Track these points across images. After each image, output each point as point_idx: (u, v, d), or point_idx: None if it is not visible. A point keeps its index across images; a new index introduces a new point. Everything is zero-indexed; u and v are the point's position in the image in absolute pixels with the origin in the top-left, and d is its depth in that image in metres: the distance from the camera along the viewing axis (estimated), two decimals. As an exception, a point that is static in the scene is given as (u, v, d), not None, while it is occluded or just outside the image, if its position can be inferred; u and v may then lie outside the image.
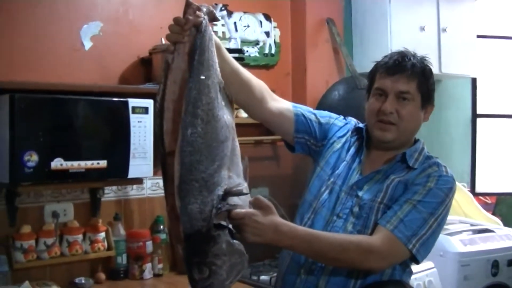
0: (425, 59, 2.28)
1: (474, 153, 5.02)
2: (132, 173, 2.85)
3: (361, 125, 2.40)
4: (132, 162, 2.83)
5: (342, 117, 2.49)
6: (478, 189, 5.02)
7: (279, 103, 2.34)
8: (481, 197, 5.08)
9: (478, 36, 4.74)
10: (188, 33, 1.85)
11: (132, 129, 2.83)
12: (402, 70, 2.19)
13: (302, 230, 2.05)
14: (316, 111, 2.45)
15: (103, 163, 2.74)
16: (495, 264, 3.82)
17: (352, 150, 2.34)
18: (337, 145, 2.36)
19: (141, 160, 2.85)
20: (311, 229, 2.13)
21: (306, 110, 2.41)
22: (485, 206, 5.04)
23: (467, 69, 4.68)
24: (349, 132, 2.39)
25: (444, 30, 4.40)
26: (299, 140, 2.37)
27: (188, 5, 1.88)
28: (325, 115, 2.44)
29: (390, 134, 2.21)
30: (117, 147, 2.80)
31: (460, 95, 5.09)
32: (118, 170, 2.82)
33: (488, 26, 5.03)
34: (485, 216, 4.69)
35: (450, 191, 2.16)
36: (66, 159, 2.62)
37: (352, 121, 2.46)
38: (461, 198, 4.75)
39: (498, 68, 5.13)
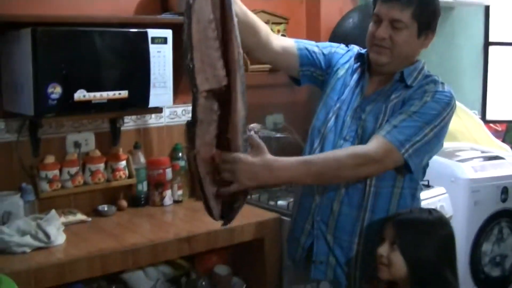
0: None
1: (485, 80, 5.02)
2: (152, 103, 2.89)
3: (363, 51, 2.45)
4: (153, 92, 2.87)
5: (343, 45, 2.57)
6: (489, 116, 5.05)
7: (282, 41, 2.44)
8: (491, 125, 5.13)
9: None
10: None
11: (151, 59, 2.86)
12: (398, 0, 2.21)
13: (295, 160, 2.10)
14: (317, 43, 2.53)
15: (124, 93, 2.78)
16: (505, 190, 3.86)
17: (355, 75, 2.41)
18: (341, 72, 2.44)
19: (161, 89, 2.89)
20: (304, 156, 2.26)
21: (309, 43, 2.50)
22: (496, 133, 5.09)
23: (480, -4, 4.68)
24: (352, 59, 2.45)
25: None
26: (305, 72, 2.47)
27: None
28: (326, 45, 2.53)
29: (384, 57, 2.26)
30: (138, 77, 2.84)
31: (472, 23, 5.06)
32: (139, 100, 2.87)
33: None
34: (495, 143, 4.74)
35: (447, 105, 2.22)
36: (88, 90, 2.67)
37: (355, 48, 2.52)
38: (472, 125, 4.79)
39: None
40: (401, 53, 2.27)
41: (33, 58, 2.54)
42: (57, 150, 3.02)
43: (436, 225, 2.20)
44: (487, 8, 4.96)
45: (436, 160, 3.81)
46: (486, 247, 3.87)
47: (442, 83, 2.30)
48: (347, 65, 2.45)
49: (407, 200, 2.31)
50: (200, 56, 1.91)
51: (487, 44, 5.02)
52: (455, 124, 4.64)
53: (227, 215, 2.07)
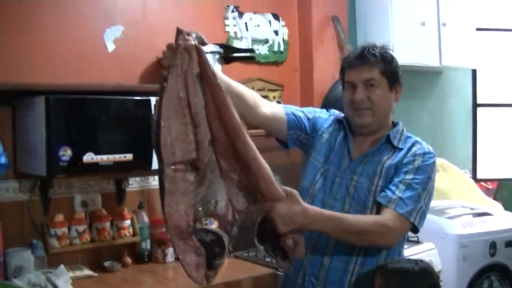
0: (384, 48, 2.50)
1: (475, 140, 5.19)
2: (155, 165, 2.99)
3: (341, 116, 2.63)
4: (155, 155, 3.04)
5: (325, 110, 2.76)
6: (480, 175, 5.19)
7: (271, 107, 2.58)
8: (482, 183, 5.26)
9: (478, 29, 4.95)
10: (180, 57, 1.97)
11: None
12: (364, 61, 2.43)
13: (327, 213, 2.24)
14: (302, 108, 2.69)
15: (129, 156, 2.96)
16: (493, 245, 3.99)
17: (339, 138, 2.56)
18: (326, 135, 2.59)
19: None
20: (334, 212, 2.30)
21: (295, 108, 2.65)
22: (487, 191, 5.23)
23: (467, 61, 4.89)
24: (334, 123, 2.62)
25: (444, 24, 4.60)
26: (292, 136, 2.60)
27: (178, 32, 2.01)
28: (310, 110, 2.69)
29: (367, 118, 2.45)
30: (141, 141, 2.99)
31: (461, 86, 5.29)
32: (143, 162, 3.03)
33: (487, 18, 5.18)
34: (486, 201, 4.88)
35: (434, 165, 2.44)
36: (96, 153, 2.85)
37: (335, 112, 2.70)
38: (463, 183, 4.95)
39: (498, 59, 5.28)
40: (381, 110, 2.46)
41: (46, 123, 2.74)
42: (66, 209, 3.18)
43: (421, 275, 2.28)
44: (474, 72, 5.17)
45: (427, 218, 4.00)
46: (477, 300, 4.00)
47: (425, 143, 2.50)
48: (330, 129, 2.60)
49: (395, 255, 2.46)
50: (169, 132, 1.97)
51: (475, 105, 5.21)
52: (447, 183, 4.85)
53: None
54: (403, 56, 4.32)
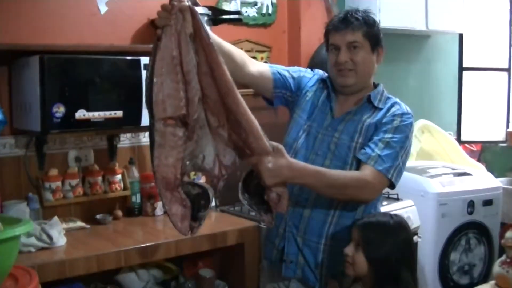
0: (367, 12, 2.61)
1: (460, 103, 5.28)
2: (144, 122, 3.16)
3: (324, 76, 2.74)
4: (144, 112, 3.13)
5: (309, 69, 2.86)
6: (464, 137, 5.30)
7: (258, 66, 2.67)
8: (467, 145, 5.42)
9: (464, -6, 5.00)
10: (174, 17, 2.02)
11: (144, 83, 3.11)
12: (347, 24, 2.54)
13: (312, 167, 2.36)
14: (287, 68, 2.79)
15: (119, 113, 3.09)
16: (471, 204, 4.17)
17: (322, 97, 2.68)
18: (310, 94, 2.70)
19: None
20: (318, 166, 2.42)
21: (281, 68, 2.75)
22: (471, 153, 5.38)
23: (454, 25, 4.98)
24: (317, 82, 2.74)
25: None
26: (278, 94, 2.71)
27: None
28: (295, 70, 2.79)
29: (350, 78, 2.57)
30: (131, 99, 3.13)
31: (447, 50, 5.39)
32: (133, 119, 3.15)
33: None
34: (470, 162, 5.03)
35: (411, 125, 2.56)
36: (88, 110, 2.98)
37: (319, 71, 2.82)
38: (448, 145, 5.10)
39: (484, 23, 5.33)
40: (363, 71, 2.58)
41: (40, 82, 2.86)
42: (60, 164, 3.32)
43: (396, 229, 2.41)
44: (461, 36, 5.25)
45: (408, 176, 4.15)
46: (454, 256, 4.17)
47: (403, 104, 2.62)
48: (314, 88, 2.71)
49: (372, 210, 2.62)
50: (161, 89, 2.03)
51: (461, 69, 5.29)
52: (432, 145, 5.01)
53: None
54: (390, 20, 4.46)
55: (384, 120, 2.54)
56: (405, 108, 2.60)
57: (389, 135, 2.50)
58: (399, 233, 2.42)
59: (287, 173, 2.18)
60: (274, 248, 2.67)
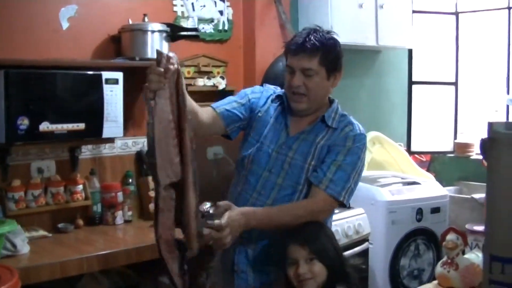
0: (329, 33, 2.61)
1: (410, 116, 5.48)
2: (105, 134, 3.29)
3: (280, 91, 2.77)
4: (106, 125, 3.27)
5: (257, 87, 2.87)
6: (414, 148, 5.51)
7: (207, 113, 2.64)
8: (416, 155, 5.62)
9: (414, 12, 5.22)
10: (168, 80, 2.11)
11: (105, 97, 3.26)
12: (304, 50, 2.51)
13: (261, 213, 2.45)
14: (234, 97, 2.79)
15: (81, 126, 3.18)
16: (420, 211, 4.36)
17: (276, 114, 2.69)
18: (261, 114, 2.72)
19: (113, 123, 3.29)
20: (267, 208, 2.52)
21: (227, 102, 2.73)
22: (421, 163, 5.57)
23: (403, 41, 5.16)
24: (269, 100, 2.75)
25: (381, 6, 4.83)
26: (232, 130, 2.73)
27: (160, 54, 2.14)
28: (243, 95, 2.78)
29: (303, 104, 2.59)
30: (93, 112, 3.23)
31: (397, 64, 5.58)
32: (94, 132, 3.26)
33: (422, 1, 5.47)
34: (419, 172, 5.22)
35: (364, 146, 2.63)
36: (51, 122, 3.07)
37: (270, 88, 2.83)
38: (398, 156, 5.27)
39: (432, 39, 5.57)
40: (316, 96, 2.58)
41: (5, 95, 2.95)
42: (23, 175, 3.38)
43: (323, 227, 2.52)
44: (410, 51, 5.45)
45: (359, 186, 4.30)
46: (404, 262, 4.34)
47: (357, 124, 2.67)
48: (265, 107, 2.73)
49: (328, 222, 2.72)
50: (161, 154, 2.10)
51: (410, 83, 5.49)
52: (383, 155, 5.19)
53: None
54: (342, 36, 4.50)
55: (337, 142, 2.59)
56: (359, 128, 2.65)
57: (341, 158, 2.56)
58: (327, 229, 2.55)
59: (240, 229, 2.35)
60: (224, 258, 2.64)
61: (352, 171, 2.57)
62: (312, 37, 2.54)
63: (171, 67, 2.13)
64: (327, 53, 2.56)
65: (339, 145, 2.58)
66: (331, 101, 2.72)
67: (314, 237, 2.45)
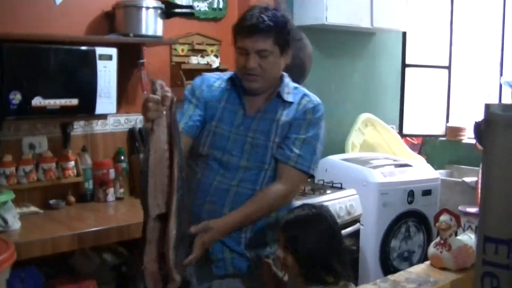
0: (277, 11, 2.52)
1: (402, 99, 5.46)
2: (98, 110, 3.28)
3: (228, 75, 2.67)
4: (99, 101, 3.26)
5: (196, 80, 2.71)
6: (406, 131, 5.49)
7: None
8: (408, 138, 5.63)
9: (408, -6, 5.19)
10: (165, 108, 2.12)
11: (98, 73, 3.25)
12: (258, 31, 2.43)
13: (232, 220, 2.45)
14: (190, 99, 2.63)
15: (74, 101, 3.18)
16: (411, 194, 4.38)
17: (226, 96, 2.62)
18: (210, 102, 2.62)
19: (106, 99, 3.27)
20: (238, 211, 2.47)
21: (186, 113, 2.59)
22: (412, 146, 5.59)
23: (397, 23, 5.17)
24: (214, 85, 2.65)
25: None
26: (202, 138, 2.61)
27: (154, 83, 2.13)
28: (194, 93, 2.64)
29: (257, 83, 2.53)
30: (86, 88, 3.22)
31: (391, 47, 5.58)
32: (87, 107, 3.26)
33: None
34: (411, 155, 5.25)
35: (323, 114, 2.62)
36: (44, 97, 3.06)
37: (210, 76, 2.70)
38: (390, 138, 5.31)
39: (426, 22, 5.53)
40: (270, 76, 2.53)
41: (-2, 69, 2.93)
42: (14, 151, 3.37)
43: (316, 220, 2.38)
44: (404, 34, 5.42)
45: (351, 167, 4.36)
46: (395, 243, 4.37)
47: (310, 94, 2.65)
48: (212, 93, 2.63)
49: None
50: (154, 184, 2.10)
51: (404, 66, 5.46)
52: (374, 138, 5.21)
53: None
54: (336, 17, 4.64)
55: (297, 116, 2.57)
56: (315, 98, 2.64)
57: (305, 131, 2.56)
58: (320, 224, 2.39)
59: (218, 237, 2.41)
60: None
61: (316, 143, 2.58)
62: (265, 17, 2.46)
63: (168, 94, 2.14)
64: (281, 32, 2.50)
65: (300, 119, 2.57)
66: (281, 76, 2.67)
67: (290, 224, 2.40)
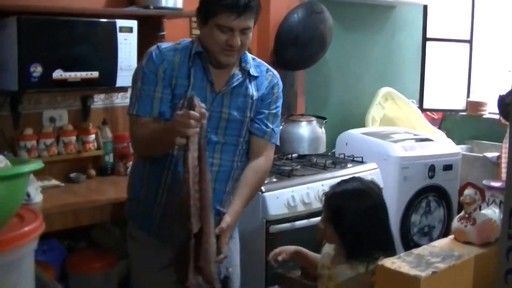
0: None
1: (423, 73, 5.40)
2: (119, 83, 3.26)
3: (185, 46, 2.59)
4: (119, 73, 3.23)
5: (152, 54, 2.57)
6: (426, 105, 5.44)
7: None
8: (428, 113, 5.59)
9: (430, -34, 5.13)
10: (200, 125, 2.21)
11: (119, 45, 3.22)
12: (249, 10, 2.43)
13: (238, 208, 2.60)
14: (154, 84, 2.54)
15: (95, 74, 3.15)
16: (432, 168, 4.34)
17: (193, 72, 2.55)
18: (178, 81, 2.55)
19: (127, 71, 3.21)
20: (240, 199, 2.62)
21: (157, 99, 2.53)
22: (432, 121, 5.55)
23: (419, -4, 5.10)
24: (177, 57, 2.55)
25: None
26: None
27: (193, 99, 2.21)
28: (159, 72, 2.54)
29: (233, 58, 2.54)
30: (107, 61, 3.20)
31: (412, 21, 5.50)
32: (108, 80, 3.23)
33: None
34: (431, 130, 5.20)
35: (282, 90, 2.77)
36: (65, 70, 3.03)
37: (167, 48, 2.58)
38: (410, 113, 5.27)
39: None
40: (245, 50, 2.59)
41: (18, 41, 2.90)
42: (34, 124, 3.37)
43: (361, 195, 2.46)
44: (425, 7, 5.34)
45: (371, 141, 4.33)
46: (415, 218, 4.34)
47: (270, 67, 2.76)
48: (181, 70, 2.55)
49: None
50: (194, 202, 2.18)
51: (425, 39, 5.39)
52: (395, 112, 5.17)
53: None
54: None
55: (267, 92, 2.70)
56: (275, 72, 2.76)
57: (274, 106, 2.73)
58: (365, 199, 2.45)
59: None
60: (155, 220, 2.64)
61: (280, 114, 2.80)
62: None
63: (204, 111, 2.23)
64: (259, 8, 2.53)
65: (270, 93, 2.71)
66: None
67: (335, 197, 2.50)
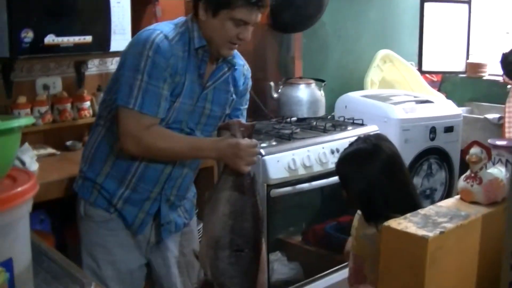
0: None
1: (421, 34, 5.33)
2: (113, 47, 3.17)
3: (201, 44, 2.43)
4: (113, 38, 3.15)
5: (164, 47, 2.35)
6: (425, 67, 5.38)
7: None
8: (427, 75, 5.54)
9: None
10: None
11: (112, 9, 3.14)
12: (266, 4, 2.37)
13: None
14: (163, 81, 2.36)
15: (88, 38, 3.06)
16: (433, 130, 4.30)
17: (188, 65, 2.43)
18: (177, 77, 2.39)
19: (120, 35, 3.17)
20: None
21: (164, 96, 2.35)
22: (432, 83, 5.51)
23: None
24: (180, 50, 2.39)
25: None
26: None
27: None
28: (169, 69, 2.36)
29: (234, 51, 2.54)
30: (100, 25, 3.11)
31: (410, -19, 5.42)
32: (101, 45, 3.14)
33: None
34: (430, 92, 5.16)
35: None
36: (57, 35, 2.95)
37: (174, 45, 2.39)
38: (409, 75, 5.22)
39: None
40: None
41: (7, 6, 2.80)
42: (28, 92, 3.30)
43: (372, 153, 2.43)
44: (423, -32, 5.29)
45: (371, 103, 4.27)
46: (417, 181, 4.30)
47: (243, 58, 2.70)
48: (181, 64, 2.41)
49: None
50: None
51: (422, 0, 5.32)
52: (393, 74, 5.10)
53: None
54: None
55: (243, 89, 2.69)
56: (247, 65, 2.72)
57: (247, 101, 2.75)
58: (370, 160, 2.42)
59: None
60: (139, 211, 2.57)
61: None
62: None
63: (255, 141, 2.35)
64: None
65: (245, 89, 2.70)
66: None
67: (344, 161, 2.52)
